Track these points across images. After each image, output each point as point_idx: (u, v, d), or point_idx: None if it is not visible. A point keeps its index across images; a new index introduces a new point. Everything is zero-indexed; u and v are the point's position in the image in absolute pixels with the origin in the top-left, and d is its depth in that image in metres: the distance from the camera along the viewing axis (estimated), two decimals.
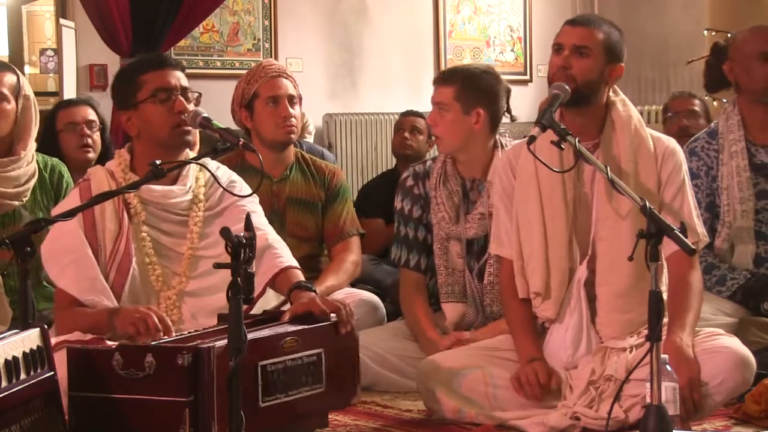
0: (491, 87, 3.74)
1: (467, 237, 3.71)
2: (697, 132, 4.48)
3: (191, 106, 3.17)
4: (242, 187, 3.27)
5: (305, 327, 2.89)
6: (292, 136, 4.05)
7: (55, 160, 4.05)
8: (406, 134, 5.76)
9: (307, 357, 2.85)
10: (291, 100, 4.04)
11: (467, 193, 3.76)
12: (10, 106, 3.76)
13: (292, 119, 4.02)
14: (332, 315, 2.96)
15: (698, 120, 5.20)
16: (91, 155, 4.44)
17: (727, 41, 4.14)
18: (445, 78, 3.76)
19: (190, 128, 3.17)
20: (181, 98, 3.15)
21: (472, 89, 3.70)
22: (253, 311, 3.04)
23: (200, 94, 3.21)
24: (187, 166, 3.20)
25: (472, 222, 3.71)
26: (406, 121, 5.84)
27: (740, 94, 4.02)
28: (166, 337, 2.86)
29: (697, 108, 5.23)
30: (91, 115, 4.51)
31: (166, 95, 3.14)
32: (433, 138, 3.83)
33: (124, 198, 3.14)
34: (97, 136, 4.49)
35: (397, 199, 3.90)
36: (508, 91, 3.82)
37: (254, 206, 3.26)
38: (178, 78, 3.17)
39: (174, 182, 3.20)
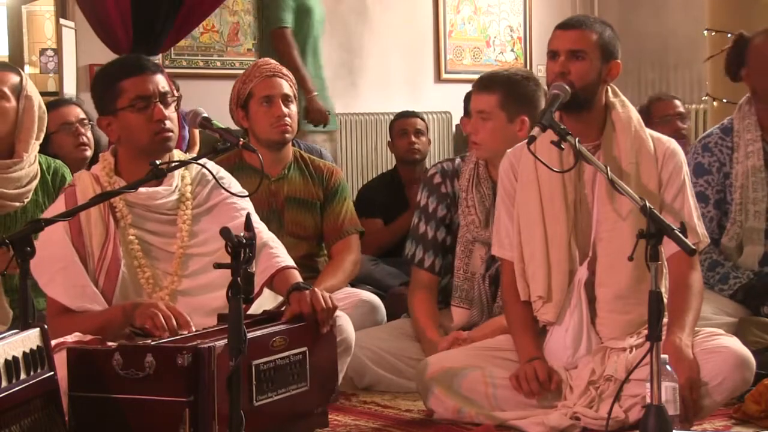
0: (533, 93, 3.68)
1: None
2: (687, 135, 4.46)
3: (169, 111, 3.14)
4: (230, 183, 3.25)
5: (291, 326, 2.90)
6: (288, 135, 4.04)
7: (58, 162, 4.06)
8: (413, 138, 5.68)
9: (294, 356, 2.85)
10: (286, 99, 4.03)
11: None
12: (10, 104, 3.78)
13: (287, 119, 4.01)
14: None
15: (686, 122, 5.18)
16: (88, 153, 4.47)
17: (740, 41, 4.07)
18: (487, 85, 3.67)
19: (171, 134, 3.15)
20: (160, 105, 3.12)
21: (516, 96, 3.64)
22: (250, 311, 3.04)
23: (180, 96, 3.17)
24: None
25: None
26: (409, 123, 5.71)
27: (757, 99, 3.96)
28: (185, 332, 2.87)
29: (682, 109, 5.19)
30: (81, 113, 4.54)
31: (145, 103, 3.12)
32: (471, 143, 3.73)
33: (109, 202, 3.12)
34: (90, 133, 4.52)
35: (422, 195, 3.85)
36: (545, 95, 3.74)
37: (245, 203, 3.25)
38: (157, 83, 3.14)
39: (159, 183, 3.17)
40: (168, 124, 3.13)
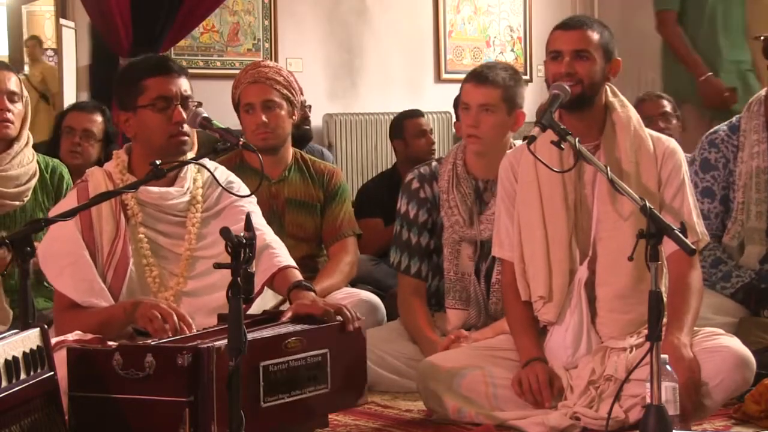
0: (523, 86, 3.73)
1: (481, 239, 3.68)
2: (671, 135, 4.45)
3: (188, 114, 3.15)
4: (240, 187, 3.27)
5: (310, 327, 2.89)
6: (270, 142, 3.98)
7: (56, 161, 4.07)
8: (431, 137, 5.66)
9: (312, 357, 2.84)
10: (269, 105, 3.97)
11: (480, 194, 3.72)
12: (22, 105, 3.82)
13: (264, 127, 3.95)
14: (337, 316, 2.96)
15: (671, 121, 5.15)
16: (78, 161, 4.40)
17: None
18: (491, 79, 3.64)
19: (186, 138, 3.15)
20: (180, 108, 3.12)
21: (515, 89, 3.67)
22: (251, 311, 3.04)
23: (200, 103, 3.18)
24: (185, 167, 3.20)
25: (486, 223, 3.67)
26: (424, 123, 5.70)
27: None
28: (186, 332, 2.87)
29: (668, 109, 5.18)
30: (94, 124, 4.51)
31: (166, 104, 3.12)
32: (465, 138, 3.69)
33: (121, 199, 3.13)
34: (92, 146, 4.48)
35: (402, 202, 3.85)
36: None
37: (252, 206, 3.25)
38: (180, 86, 3.14)
39: (171, 183, 3.19)
40: (185, 127, 3.13)
